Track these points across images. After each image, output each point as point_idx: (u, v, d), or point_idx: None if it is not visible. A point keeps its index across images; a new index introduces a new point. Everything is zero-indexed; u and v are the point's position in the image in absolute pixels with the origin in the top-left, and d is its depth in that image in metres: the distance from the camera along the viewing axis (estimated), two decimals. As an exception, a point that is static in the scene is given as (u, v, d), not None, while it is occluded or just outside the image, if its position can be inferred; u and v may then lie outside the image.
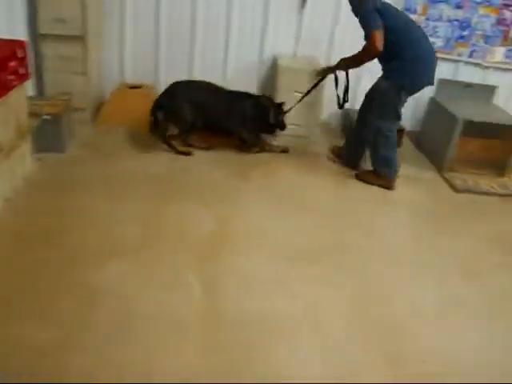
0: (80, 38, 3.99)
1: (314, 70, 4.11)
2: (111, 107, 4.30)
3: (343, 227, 3.26)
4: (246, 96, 4.11)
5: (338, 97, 4.04)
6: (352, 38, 4.53)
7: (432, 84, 3.82)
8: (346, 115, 4.87)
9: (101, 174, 3.50)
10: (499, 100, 4.86)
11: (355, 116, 4.61)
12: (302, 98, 4.02)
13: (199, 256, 2.75)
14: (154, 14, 4.51)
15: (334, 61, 4.59)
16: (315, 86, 4.01)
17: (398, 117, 3.78)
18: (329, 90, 4.61)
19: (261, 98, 4.16)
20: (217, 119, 4.02)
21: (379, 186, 3.84)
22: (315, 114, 4.45)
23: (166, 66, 4.70)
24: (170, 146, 3.90)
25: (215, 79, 4.66)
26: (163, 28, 4.56)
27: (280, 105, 4.11)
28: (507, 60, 4.86)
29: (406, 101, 3.75)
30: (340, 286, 2.67)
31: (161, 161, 3.79)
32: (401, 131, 4.57)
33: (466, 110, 4.30)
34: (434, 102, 4.70)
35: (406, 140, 4.74)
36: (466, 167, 4.25)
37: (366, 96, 3.85)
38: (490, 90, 4.79)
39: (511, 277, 2.98)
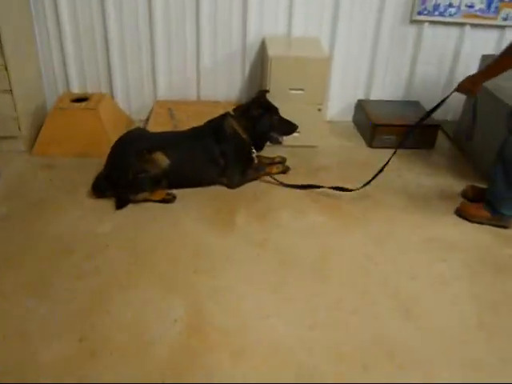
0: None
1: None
2: (48, 132, 3.23)
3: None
4: (209, 129, 2.95)
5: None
6: (361, 11, 3.43)
7: None
8: (359, 108, 3.75)
9: (20, 243, 2.47)
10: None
11: (370, 108, 3.53)
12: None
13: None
14: (97, 2, 3.36)
15: (339, 42, 3.50)
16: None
17: None
18: (334, 80, 3.53)
19: (226, 120, 2.95)
20: (185, 178, 2.91)
21: (491, 224, 2.76)
22: (319, 114, 3.32)
23: (121, 66, 3.59)
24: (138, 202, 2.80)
25: (185, 78, 3.59)
26: (111, 20, 3.42)
27: (271, 109, 2.99)
28: None
29: None
30: None
31: (113, 212, 2.73)
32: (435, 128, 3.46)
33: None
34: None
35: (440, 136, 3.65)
36: None
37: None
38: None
39: None
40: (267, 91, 3.13)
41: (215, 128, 2.91)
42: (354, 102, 3.84)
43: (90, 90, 3.62)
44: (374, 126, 3.44)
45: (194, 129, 2.95)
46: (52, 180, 3.01)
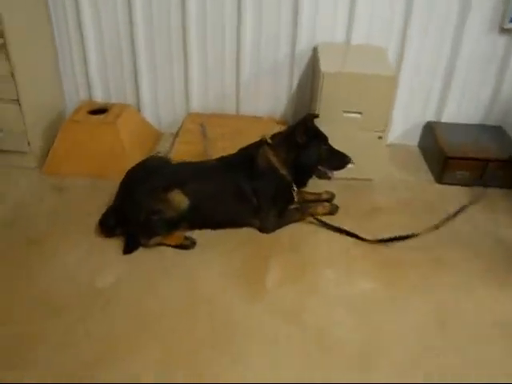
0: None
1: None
2: (60, 148, 2.81)
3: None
4: (240, 161, 2.41)
5: None
6: (439, 17, 2.80)
7: None
8: (428, 131, 3.12)
9: (2, 297, 2.05)
10: None
11: (441, 133, 2.92)
12: None
13: None
14: (123, 3, 2.90)
15: (409, 53, 2.88)
16: None
17: None
18: (399, 97, 2.93)
19: (261, 150, 2.40)
20: (209, 219, 2.41)
21: None
22: (379, 143, 2.73)
23: (149, 73, 3.12)
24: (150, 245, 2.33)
25: (222, 89, 3.07)
26: (138, 21, 2.95)
27: (319, 136, 2.43)
28: None
29: None
30: None
31: (119, 256, 2.27)
32: None
33: None
34: None
35: None
36: None
37: None
38: None
39: None
40: (316, 116, 2.57)
41: (247, 160, 2.38)
42: (421, 123, 3.21)
43: (114, 99, 3.18)
44: (445, 158, 2.81)
45: (221, 159, 2.44)
46: (58, 209, 2.59)
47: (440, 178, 2.88)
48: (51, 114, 2.98)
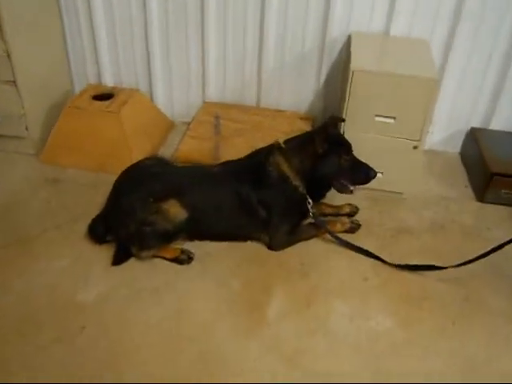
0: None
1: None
2: (59, 136, 2.58)
3: None
4: (248, 168, 2.11)
5: None
6: (494, 9, 2.39)
7: None
8: (471, 139, 2.74)
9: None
10: None
11: (486, 142, 2.55)
12: None
13: None
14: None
15: (457, 49, 2.50)
16: None
17: None
18: (442, 98, 2.56)
19: (272, 157, 2.09)
20: (211, 232, 2.14)
21: None
22: (414, 153, 2.38)
23: (162, 56, 2.83)
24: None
25: (243, 78, 2.76)
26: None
27: (342, 145, 2.10)
28: None
29: None
30: None
31: (107, 267, 2.03)
32: None
33: None
34: None
35: None
36: None
37: None
38: None
39: None
40: (341, 120, 2.24)
41: (256, 167, 2.08)
42: (465, 129, 2.82)
43: (125, 83, 2.91)
44: (490, 174, 2.44)
45: (227, 165, 2.15)
46: (51, 203, 2.37)
47: (482, 196, 2.51)
48: (55, 97, 2.74)
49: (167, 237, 1.98)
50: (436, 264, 2.03)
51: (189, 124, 2.84)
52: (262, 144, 2.52)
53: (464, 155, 2.84)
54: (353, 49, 2.38)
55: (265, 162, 2.07)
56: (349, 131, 2.32)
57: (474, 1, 2.43)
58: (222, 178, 2.07)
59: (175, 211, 1.93)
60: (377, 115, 2.29)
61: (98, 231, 2.08)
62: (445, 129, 2.83)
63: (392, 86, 2.21)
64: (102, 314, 1.85)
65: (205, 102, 2.93)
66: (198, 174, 2.09)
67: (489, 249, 1.96)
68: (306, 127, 2.74)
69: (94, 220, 2.11)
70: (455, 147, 2.89)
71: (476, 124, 2.79)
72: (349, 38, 2.57)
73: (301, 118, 2.81)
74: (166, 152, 2.70)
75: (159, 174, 2.02)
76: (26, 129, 2.56)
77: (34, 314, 1.84)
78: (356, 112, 2.29)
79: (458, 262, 1.98)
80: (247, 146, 2.52)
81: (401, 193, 2.50)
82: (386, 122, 2.30)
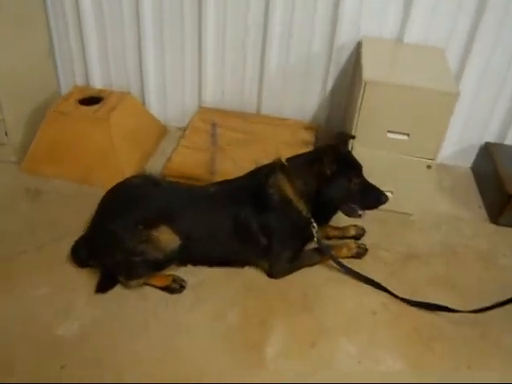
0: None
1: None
2: (42, 143, 2.38)
3: None
4: (247, 189, 1.91)
5: None
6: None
7: None
8: (485, 154, 2.57)
9: None
10: None
11: (502, 159, 2.39)
12: None
13: None
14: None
15: (475, 59, 2.32)
16: None
17: None
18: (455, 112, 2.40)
19: (273, 178, 1.88)
20: (206, 258, 1.95)
21: None
22: (428, 173, 2.20)
23: (156, 56, 2.62)
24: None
25: (242, 82, 2.57)
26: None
27: (352, 167, 1.91)
28: None
29: None
30: None
31: (91, 295, 1.85)
32: None
33: None
34: None
35: None
36: None
37: None
38: None
39: None
40: (351, 137, 2.06)
41: (255, 188, 1.89)
42: (478, 143, 2.64)
43: (115, 85, 2.71)
44: (507, 196, 2.27)
45: (223, 185, 1.95)
46: (32, 219, 2.17)
47: (496, 218, 2.34)
48: (39, 100, 2.54)
49: (158, 265, 1.79)
50: (450, 305, 1.85)
51: (183, 131, 2.63)
52: (262, 156, 2.35)
53: (477, 171, 2.67)
54: (364, 56, 2.19)
55: (265, 183, 1.87)
56: (358, 147, 2.14)
57: (494, 14, 2.24)
58: (219, 201, 1.88)
59: (167, 239, 1.74)
60: (389, 131, 2.10)
61: (82, 255, 1.88)
62: (456, 142, 2.65)
63: (407, 100, 2.02)
64: (81, 351, 1.67)
65: (201, 107, 2.73)
66: (192, 196, 1.89)
67: (509, 297, 1.80)
68: (309, 137, 2.56)
69: (77, 242, 1.92)
70: (467, 162, 2.72)
71: (490, 138, 2.62)
72: (359, 44, 2.38)
73: (305, 128, 2.62)
74: (157, 162, 2.51)
75: (149, 196, 1.82)
76: (6, 134, 2.36)
77: (5, 351, 1.65)
78: (367, 127, 2.11)
79: (474, 309, 1.83)
80: (246, 158, 2.35)
81: (410, 214, 2.32)
82: (398, 139, 2.11)
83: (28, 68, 2.44)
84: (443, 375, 1.69)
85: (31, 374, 1.59)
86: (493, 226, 2.35)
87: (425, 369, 1.71)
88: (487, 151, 2.56)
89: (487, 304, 1.85)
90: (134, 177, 2.00)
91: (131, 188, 1.89)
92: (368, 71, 2.07)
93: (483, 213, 2.43)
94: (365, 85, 2.02)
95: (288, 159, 1.95)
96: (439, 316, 1.87)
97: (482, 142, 2.62)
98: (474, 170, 2.69)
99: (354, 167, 1.90)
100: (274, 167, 1.92)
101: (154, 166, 2.47)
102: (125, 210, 1.77)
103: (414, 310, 1.89)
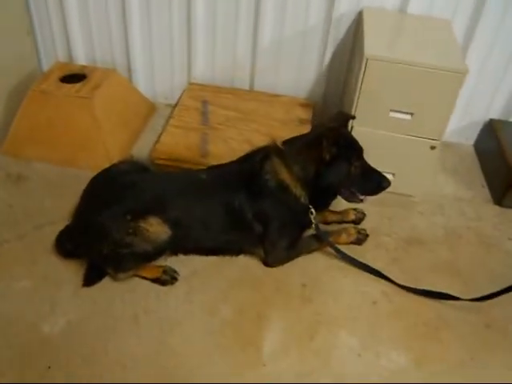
0: None
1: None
2: (23, 124, 2.23)
3: None
4: (240, 174, 1.79)
5: None
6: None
7: None
8: (489, 132, 2.46)
9: None
10: None
11: (507, 136, 2.29)
12: None
13: None
14: None
15: (482, 32, 2.19)
16: None
17: None
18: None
19: (268, 162, 1.77)
20: (199, 247, 1.84)
21: None
22: (431, 154, 2.09)
23: (142, 30, 2.46)
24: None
25: (234, 56, 2.43)
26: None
27: (353, 150, 1.80)
28: None
29: None
30: None
31: (78, 288, 1.75)
32: None
33: None
34: None
35: None
36: None
37: None
38: None
39: None
40: (352, 117, 1.93)
41: (249, 173, 1.77)
42: (482, 120, 2.53)
43: (99, 60, 2.55)
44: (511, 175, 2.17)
45: (215, 171, 1.83)
46: (13, 207, 2.05)
47: (500, 199, 2.25)
48: (19, 78, 2.39)
49: (147, 257, 1.69)
50: (453, 292, 1.79)
51: (173, 108, 2.49)
52: (256, 136, 2.24)
53: (480, 148, 2.57)
54: (365, 30, 2.04)
55: (260, 168, 1.76)
56: (357, 127, 2.03)
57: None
58: (211, 188, 1.76)
59: (156, 230, 1.63)
60: (392, 110, 1.98)
61: (67, 246, 1.77)
62: (459, 119, 2.53)
63: (412, 77, 1.90)
64: (69, 349, 1.58)
65: (190, 83, 2.58)
66: (182, 183, 1.78)
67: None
68: (305, 115, 2.44)
69: (62, 232, 1.81)
70: (469, 139, 2.61)
71: (495, 115, 2.50)
72: (359, 15, 2.23)
73: (300, 105, 2.48)
74: (146, 142, 2.39)
75: (137, 184, 1.70)
76: (-17, 115, 2.21)
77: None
78: (368, 105, 1.99)
79: (477, 297, 1.76)
80: (239, 139, 2.23)
81: (411, 195, 2.23)
82: (401, 119, 2.00)
83: (5, 43, 2.28)
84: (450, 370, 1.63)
85: (15, 376, 1.51)
86: (497, 208, 2.26)
87: (430, 362, 1.64)
88: (491, 128, 2.45)
89: (492, 290, 1.78)
90: (120, 162, 1.88)
91: (118, 175, 1.77)
92: (369, 46, 1.93)
93: (486, 192, 2.33)
94: (366, 61, 1.89)
95: (284, 142, 1.83)
96: (443, 304, 1.80)
97: (487, 118, 2.51)
98: (477, 148, 2.59)
99: (355, 149, 1.79)
100: (270, 151, 1.80)
101: (143, 147, 2.35)
102: (111, 200, 1.66)
103: (416, 298, 1.82)
